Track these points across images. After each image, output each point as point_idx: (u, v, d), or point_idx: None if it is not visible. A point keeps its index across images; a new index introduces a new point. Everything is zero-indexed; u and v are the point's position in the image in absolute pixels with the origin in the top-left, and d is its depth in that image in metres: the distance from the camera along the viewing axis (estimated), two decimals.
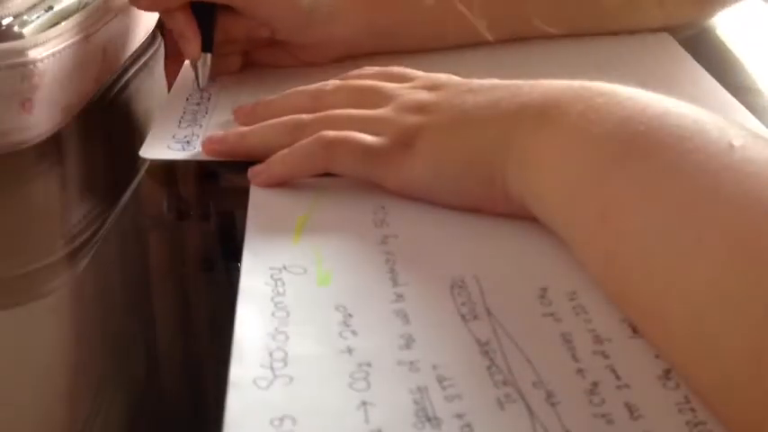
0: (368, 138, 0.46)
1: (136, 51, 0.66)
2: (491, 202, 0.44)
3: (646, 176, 0.35)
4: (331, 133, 0.46)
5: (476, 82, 0.47)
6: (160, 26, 0.71)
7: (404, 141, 0.45)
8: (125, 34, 0.62)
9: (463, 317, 0.37)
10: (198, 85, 0.59)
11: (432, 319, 0.37)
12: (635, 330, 0.36)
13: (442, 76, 0.49)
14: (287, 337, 0.36)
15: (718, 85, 0.60)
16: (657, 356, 0.35)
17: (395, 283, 0.40)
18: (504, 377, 0.34)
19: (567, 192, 0.39)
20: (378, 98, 0.48)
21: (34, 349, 0.38)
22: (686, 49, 0.66)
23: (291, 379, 0.34)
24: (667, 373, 0.34)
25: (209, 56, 0.58)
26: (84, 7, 0.57)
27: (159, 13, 0.62)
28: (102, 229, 0.46)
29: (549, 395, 0.33)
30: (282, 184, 0.47)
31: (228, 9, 0.58)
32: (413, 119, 0.46)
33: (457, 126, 0.44)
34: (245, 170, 0.48)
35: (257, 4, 0.59)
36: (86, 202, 0.50)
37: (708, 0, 0.71)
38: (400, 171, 0.45)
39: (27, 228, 0.47)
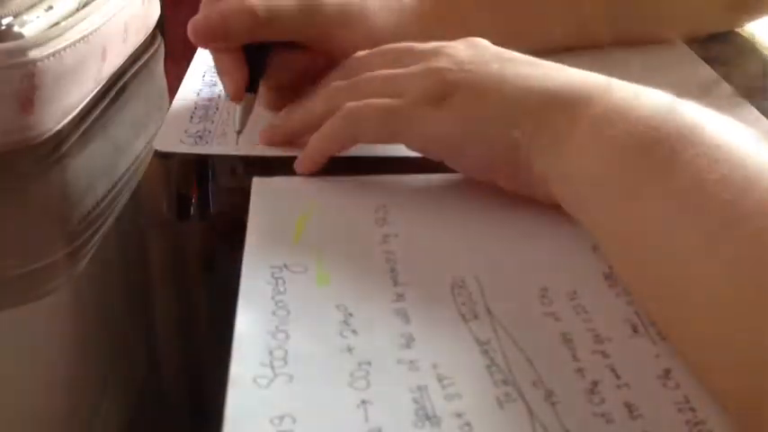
0: (387, 100, 0.46)
1: (136, 51, 0.66)
2: (512, 173, 0.44)
3: (678, 166, 0.35)
4: (352, 104, 0.47)
5: (517, 53, 0.46)
6: (160, 26, 0.71)
7: (435, 95, 0.45)
8: (125, 34, 0.62)
9: (463, 316, 0.37)
10: (235, 126, 0.52)
11: (432, 319, 0.37)
12: (635, 330, 0.36)
13: (481, 40, 0.49)
14: (287, 336, 0.36)
15: (735, 93, 0.59)
16: (657, 356, 0.35)
17: (395, 282, 0.40)
18: (504, 376, 0.34)
19: (594, 173, 0.39)
20: (410, 58, 0.48)
21: (34, 349, 0.38)
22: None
23: (291, 377, 0.34)
24: (667, 373, 0.34)
25: (253, 96, 0.52)
26: (83, 7, 0.57)
27: (209, 50, 0.55)
28: (102, 229, 0.46)
29: (549, 394, 0.33)
30: (323, 164, 0.48)
31: (289, 44, 0.54)
32: (448, 73, 0.45)
33: (495, 87, 0.44)
34: (246, 170, 0.48)
35: (333, 41, 0.54)
36: (86, 202, 0.49)
37: (741, 8, 0.70)
38: (426, 127, 0.45)
39: (27, 228, 0.47)
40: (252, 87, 0.52)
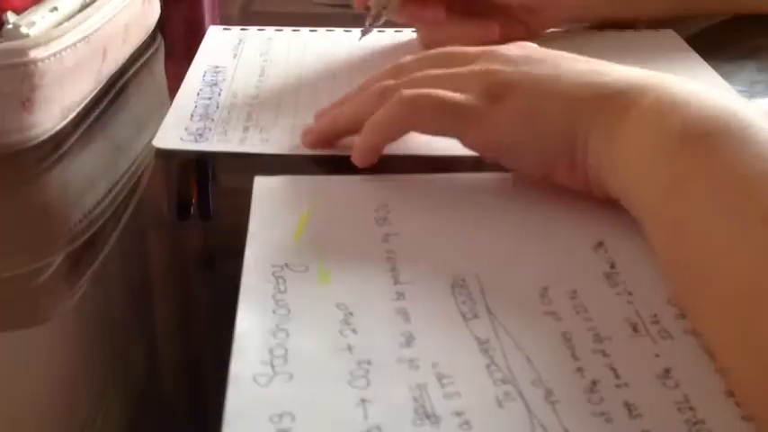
0: (449, 93, 0.45)
1: (136, 51, 0.66)
2: (570, 168, 0.44)
3: (721, 161, 0.36)
4: (409, 91, 0.46)
5: (565, 52, 0.47)
6: (160, 26, 0.71)
7: (493, 95, 0.45)
8: (125, 34, 0.63)
9: (463, 315, 0.37)
10: (373, 9, 0.61)
11: (432, 318, 0.37)
12: (635, 329, 0.36)
13: (530, 43, 0.49)
14: (287, 335, 0.36)
15: (723, 81, 0.60)
16: (657, 356, 0.35)
17: (396, 281, 0.40)
18: (504, 375, 0.34)
19: (641, 163, 0.40)
20: (463, 59, 0.48)
21: (34, 349, 0.38)
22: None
23: (291, 376, 0.34)
24: (667, 372, 0.34)
25: None
26: (85, 7, 0.57)
27: None
28: (103, 229, 0.46)
29: (549, 393, 0.33)
30: (379, 153, 0.48)
31: None
32: (505, 71, 0.45)
33: (551, 84, 0.44)
34: (246, 170, 0.48)
35: None
36: (86, 202, 0.49)
37: None
38: (483, 126, 0.45)
39: (27, 228, 0.47)
40: None
